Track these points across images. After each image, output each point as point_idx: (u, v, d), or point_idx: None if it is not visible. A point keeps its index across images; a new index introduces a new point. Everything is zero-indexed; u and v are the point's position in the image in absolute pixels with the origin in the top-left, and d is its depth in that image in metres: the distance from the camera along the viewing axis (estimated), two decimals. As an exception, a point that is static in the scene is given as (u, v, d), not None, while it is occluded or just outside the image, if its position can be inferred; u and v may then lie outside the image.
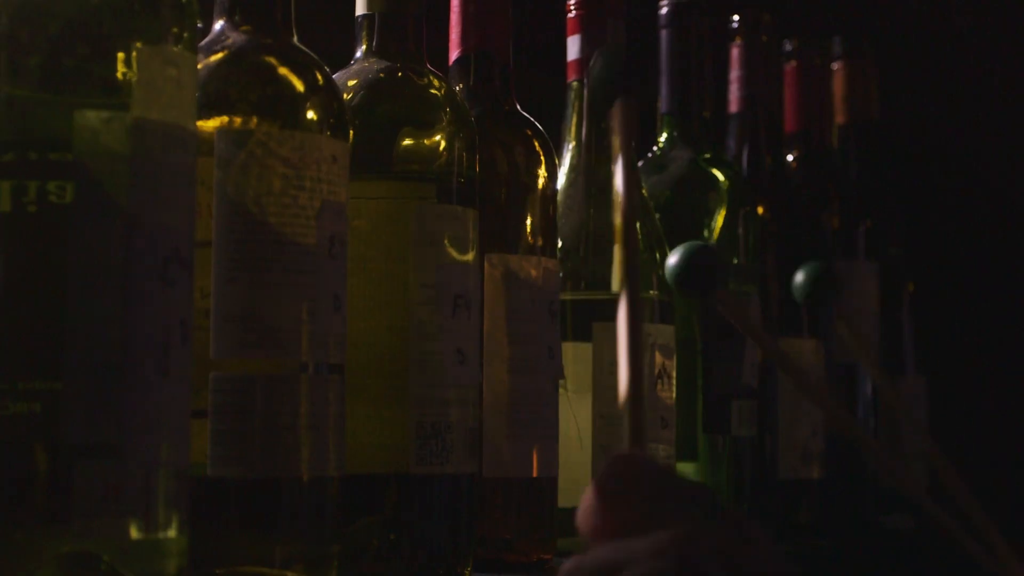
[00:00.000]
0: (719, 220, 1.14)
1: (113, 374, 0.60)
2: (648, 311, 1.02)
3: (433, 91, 0.85)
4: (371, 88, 0.84)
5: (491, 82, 0.94)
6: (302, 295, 0.73)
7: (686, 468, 1.10)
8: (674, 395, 1.03)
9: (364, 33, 0.86)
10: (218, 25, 0.77)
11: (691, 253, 0.68)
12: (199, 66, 0.69)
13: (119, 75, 0.62)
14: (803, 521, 1.24)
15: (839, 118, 1.46)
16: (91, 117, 0.61)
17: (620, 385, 0.52)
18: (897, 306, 1.42)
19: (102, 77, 0.62)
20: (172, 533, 0.63)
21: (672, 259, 0.68)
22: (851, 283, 1.38)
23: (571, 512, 0.97)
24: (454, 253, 0.83)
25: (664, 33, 1.15)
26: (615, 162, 0.54)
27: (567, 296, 1.00)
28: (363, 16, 0.86)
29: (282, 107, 0.74)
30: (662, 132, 1.17)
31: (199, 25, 0.66)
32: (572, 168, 1.04)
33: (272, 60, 0.76)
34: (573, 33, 1.04)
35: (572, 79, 1.04)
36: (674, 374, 1.03)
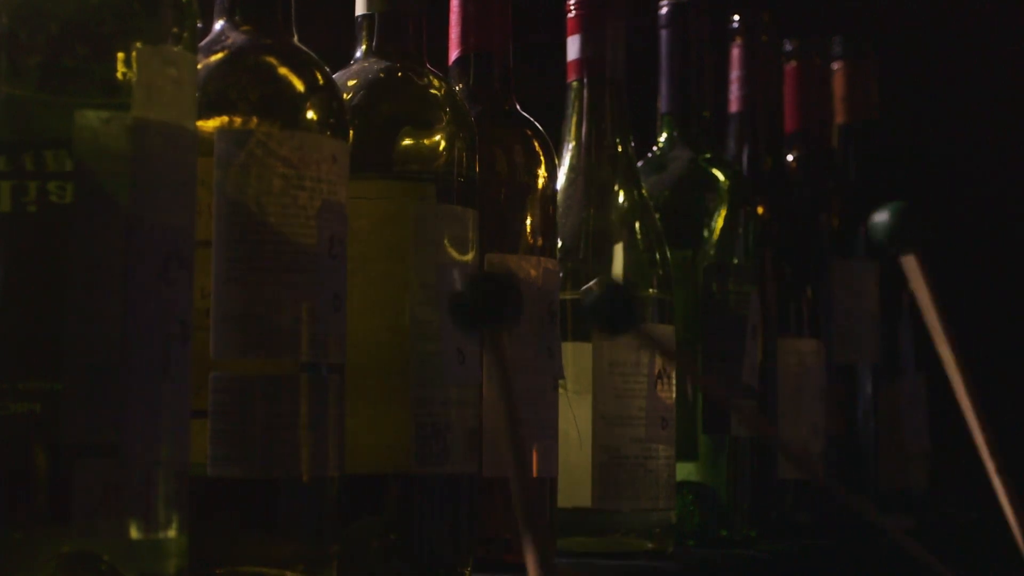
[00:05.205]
0: (719, 220, 1.14)
1: (113, 374, 0.60)
2: (648, 311, 1.02)
3: (433, 91, 0.85)
4: (371, 88, 0.84)
5: (491, 82, 0.94)
6: (302, 295, 0.73)
7: (686, 468, 1.10)
8: (674, 395, 1.03)
9: (364, 33, 0.86)
10: (218, 25, 0.77)
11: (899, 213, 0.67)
12: (199, 66, 0.69)
13: (119, 75, 0.62)
14: (803, 521, 1.24)
15: (839, 118, 1.46)
16: (91, 117, 0.61)
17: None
18: (897, 306, 1.42)
19: (102, 77, 0.62)
20: (172, 533, 0.63)
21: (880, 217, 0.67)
22: (851, 283, 1.38)
23: (571, 512, 0.97)
24: (454, 253, 0.83)
25: (664, 33, 1.15)
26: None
27: (567, 296, 1.00)
28: (363, 16, 0.86)
29: (282, 107, 0.74)
30: (662, 132, 1.17)
31: (199, 25, 0.66)
32: (572, 168, 1.04)
33: (272, 60, 0.76)
34: (573, 33, 1.04)
35: (572, 79, 1.04)
36: (674, 374, 1.03)
